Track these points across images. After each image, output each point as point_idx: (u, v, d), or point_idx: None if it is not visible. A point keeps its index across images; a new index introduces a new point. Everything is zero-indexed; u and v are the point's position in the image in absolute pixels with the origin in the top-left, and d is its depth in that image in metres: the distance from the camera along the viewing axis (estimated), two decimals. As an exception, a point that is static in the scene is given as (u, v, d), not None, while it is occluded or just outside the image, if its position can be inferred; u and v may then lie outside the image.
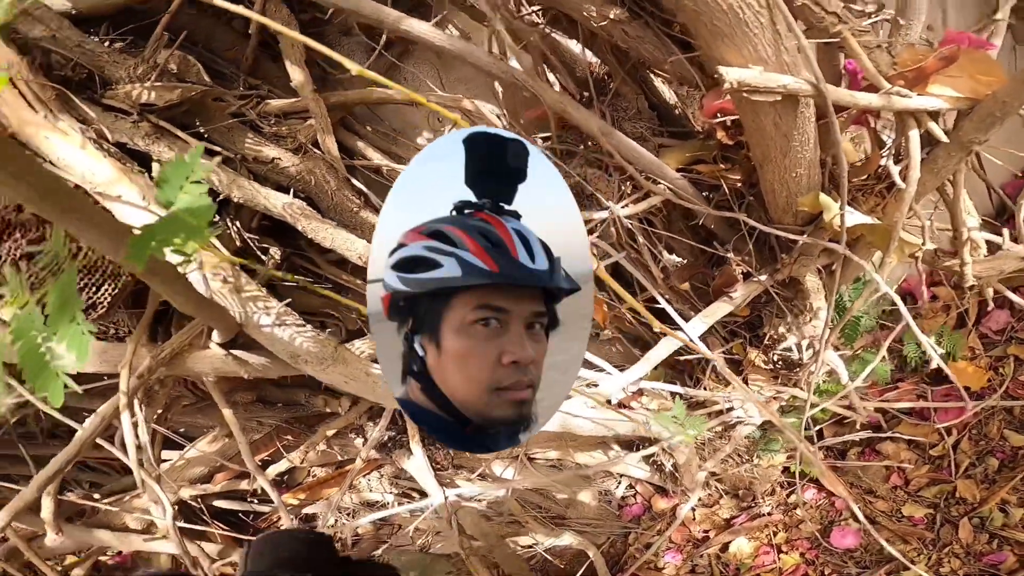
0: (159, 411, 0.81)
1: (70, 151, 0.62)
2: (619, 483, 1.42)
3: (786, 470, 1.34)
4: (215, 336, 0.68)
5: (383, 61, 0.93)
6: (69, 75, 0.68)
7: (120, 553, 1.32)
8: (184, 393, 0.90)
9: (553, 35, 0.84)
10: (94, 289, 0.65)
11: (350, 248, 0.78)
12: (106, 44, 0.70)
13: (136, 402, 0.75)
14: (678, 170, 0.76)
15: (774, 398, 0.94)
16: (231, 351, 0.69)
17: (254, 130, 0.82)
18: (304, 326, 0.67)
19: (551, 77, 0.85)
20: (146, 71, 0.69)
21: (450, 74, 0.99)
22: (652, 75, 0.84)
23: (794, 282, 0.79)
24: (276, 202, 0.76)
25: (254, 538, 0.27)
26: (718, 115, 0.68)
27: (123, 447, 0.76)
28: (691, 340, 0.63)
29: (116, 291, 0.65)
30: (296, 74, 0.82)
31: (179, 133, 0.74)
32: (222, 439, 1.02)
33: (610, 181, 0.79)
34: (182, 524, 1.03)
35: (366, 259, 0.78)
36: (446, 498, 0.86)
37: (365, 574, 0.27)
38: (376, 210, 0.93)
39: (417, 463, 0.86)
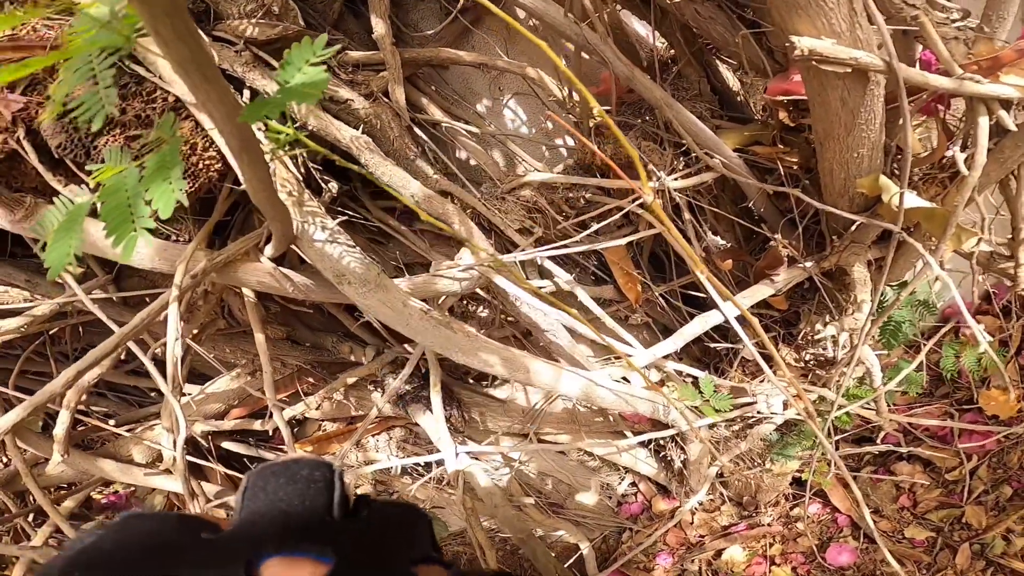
0: (195, 331, 0.81)
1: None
2: (622, 479, 1.40)
3: (795, 482, 1.32)
4: (267, 251, 0.69)
5: (457, 25, 0.96)
6: (189, 7, 0.72)
7: (116, 493, 1.31)
8: (223, 320, 0.90)
9: (621, 14, 0.87)
10: None
11: (405, 186, 0.79)
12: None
13: (177, 315, 0.75)
14: (735, 150, 0.77)
15: (799, 397, 0.94)
16: (279, 268, 0.69)
17: (332, 74, 0.85)
18: (353, 247, 0.68)
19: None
20: (254, 9, 0.72)
21: (516, 46, 1.02)
22: (717, 60, 0.86)
23: (840, 273, 0.80)
24: (345, 134, 0.79)
25: (252, 473, 0.23)
26: (782, 97, 0.69)
27: (153, 361, 0.76)
28: (737, 306, 0.63)
29: (192, 190, 0.67)
30: (379, 26, 0.85)
31: (274, 63, 0.77)
32: (245, 377, 1.02)
33: (664, 154, 0.81)
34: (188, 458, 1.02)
35: (418, 198, 0.80)
36: (457, 454, 0.85)
37: (378, 517, 0.23)
38: (430, 161, 0.95)
39: (435, 415, 0.86)
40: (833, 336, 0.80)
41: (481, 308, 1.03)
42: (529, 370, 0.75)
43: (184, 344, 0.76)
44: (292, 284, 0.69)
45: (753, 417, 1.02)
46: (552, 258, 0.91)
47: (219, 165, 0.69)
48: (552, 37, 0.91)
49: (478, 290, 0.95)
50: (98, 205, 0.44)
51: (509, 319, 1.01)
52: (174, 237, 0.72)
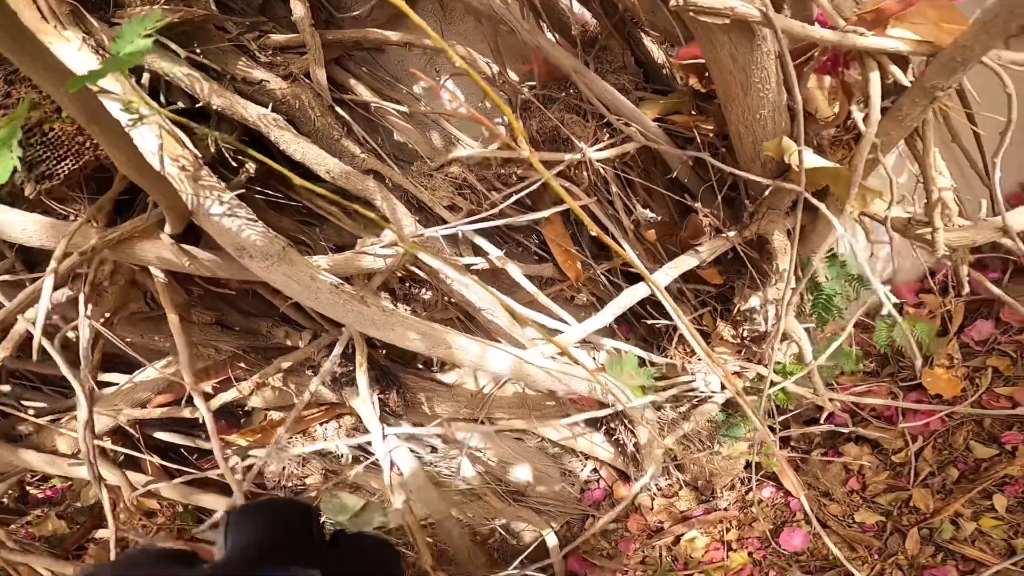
0: (107, 314, 0.78)
1: (66, 52, 0.64)
2: (584, 466, 1.39)
3: (749, 465, 1.32)
4: (166, 228, 0.66)
5: (389, 7, 0.95)
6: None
7: (53, 487, 1.27)
8: (139, 303, 0.88)
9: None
10: (55, 162, 0.66)
11: (320, 163, 0.77)
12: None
13: (82, 298, 0.73)
14: (656, 120, 0.77)
15: (737, 374, 0.93)
16: (181, 245, 0.67)
17: (250, 57, 0.83)
18: (256, 221, 0.66)
19: (548, 35, 0.87)
20: (159, -5, 0.70)
21: (451, 27, 1.01)
22: (641, 33, 0.86)
23: (763, 242, 0.79)
24: (252, 112, 0.77)
25: (232, 511, 0.27)
26: (691, 61, 0.69)
27: (56, 343, 0.73)
28: (650, 281, 0.62)
29: (75, 167, 0.66)
30: (297, 8, 0.84)
31: (171, 46, 0.75)
32: (176, 365, 0.99)
33: (587, 126, 0.80)
34: (120, 449, 0.99)
35: (334, 175, 0.78)
36: (385, 436, 0.83)
37: (354, 549, 0.27)
38: (358, 141, 0.93)
39: (362, 396, 0.84)
40: (760, 306, 0.80)
41: (424, 290, 1.01)
42: (450, 345, 0.73)
43: (91, 327, 0.73)
44: (194, 261, 0.67)
45: (696, 396, 1.01)
46: (486, 235, 0.89)
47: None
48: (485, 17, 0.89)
49: (419, 271, 0.94)
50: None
51: (452, 300, 0.99)
52: (72, 216, 0.69)
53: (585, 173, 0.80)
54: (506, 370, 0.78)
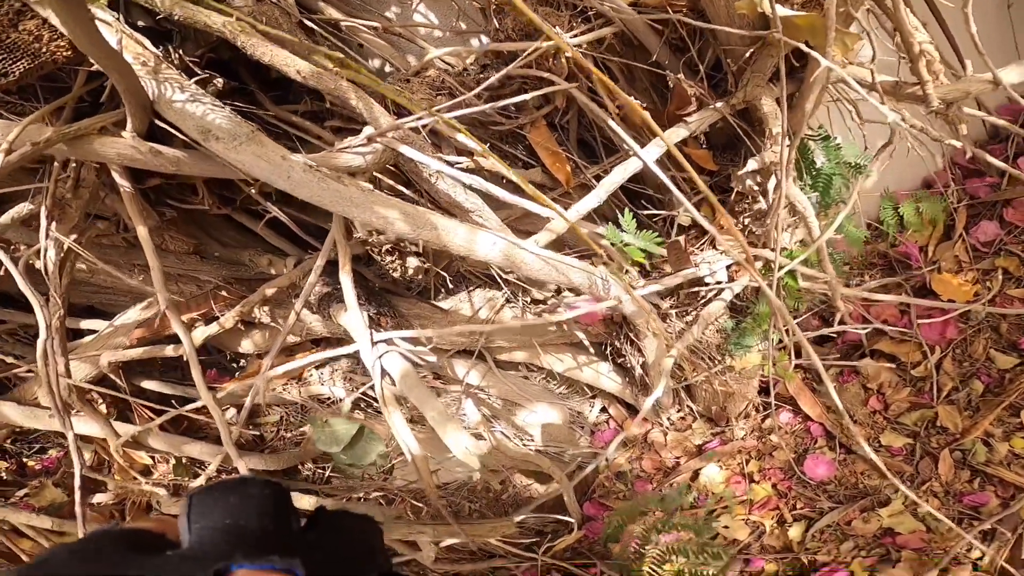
0: (73, 235, 0.75)
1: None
2: (592, 407, 1.34)
3: (763, 391, 1.26)
4: (128, 127, 0.64)
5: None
6: None
7: (48, 457, 1.23)
8: (106, 223, 0.85)
9: None
10: (11, 62, 0.64)
11: (289, 64, 0.75)
12: None
13: (44, 212, 0.70)
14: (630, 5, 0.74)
15: (740, 265, 0.90)
16: (140, 139, 0.64)
17: None
18: (222, 108, 0.63)
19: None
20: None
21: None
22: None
23: (752, 115, 0.76)
24: (216, 20, 0.74)
25: (194, 493, 0.23)
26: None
27: (20, 267, 0.70)
28: (661, 137, 0.59)
29: (31, 66, 0.64)
30: None
31: None
32: (155, 306, 0.96)
33: (561, 15, 0.78)
34: (107, 391, 0.95)
35: (305, 75, 0.76)
36: (374, 343, 0.79)
37: (334, 530, 0.24)
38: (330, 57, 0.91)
39: (347, 301, 0.79)
40: (758, 173, 0.77)
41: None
42: (436, 227, 0.70)
43: (58, 245, 0.70)
44: (157, 155, 0.64)
45: (701, 294, 0.97)
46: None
47: (68, 52, 0.67)
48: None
49: (405, 191, 0.91)
50: None
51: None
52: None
53: (564, 62, 0.78)
54: (497, 255, 0.74)
